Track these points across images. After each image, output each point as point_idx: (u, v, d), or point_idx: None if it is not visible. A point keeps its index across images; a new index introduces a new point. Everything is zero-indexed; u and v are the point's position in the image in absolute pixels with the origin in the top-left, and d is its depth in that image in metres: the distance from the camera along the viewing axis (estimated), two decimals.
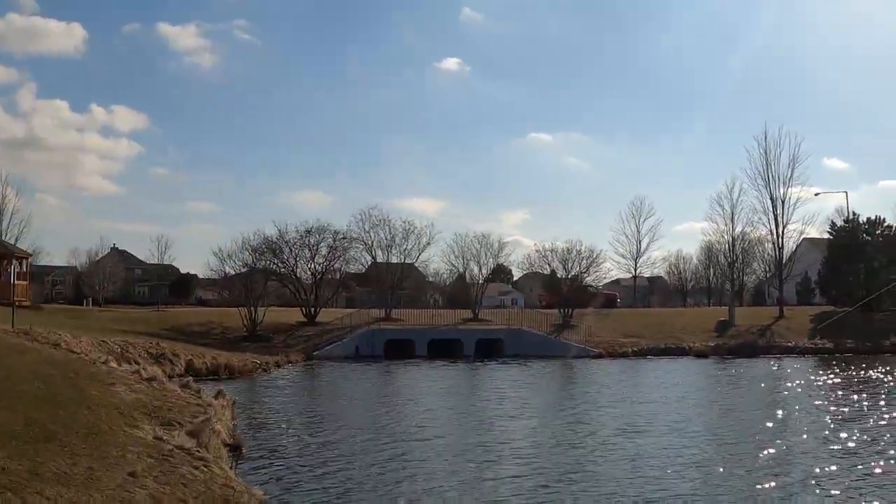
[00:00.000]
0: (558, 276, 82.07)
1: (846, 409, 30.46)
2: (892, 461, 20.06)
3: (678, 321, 73.94)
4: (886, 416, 27.92)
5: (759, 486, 17.38)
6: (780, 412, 29.53)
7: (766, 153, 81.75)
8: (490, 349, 63.48)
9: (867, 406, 31.16)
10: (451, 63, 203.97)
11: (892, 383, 39.82)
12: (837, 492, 16.81)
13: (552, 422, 28.16)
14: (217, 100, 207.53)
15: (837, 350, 61.03)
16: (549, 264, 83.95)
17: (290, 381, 43.56)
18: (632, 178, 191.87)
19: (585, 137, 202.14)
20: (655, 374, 47.37)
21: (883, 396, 34.05)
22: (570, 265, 79.23)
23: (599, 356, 60.95)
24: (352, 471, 19.05)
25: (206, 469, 14.83)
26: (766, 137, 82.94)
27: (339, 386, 41.64)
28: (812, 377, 44.00)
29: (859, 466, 19.36)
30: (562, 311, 73.99)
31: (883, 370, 46.11)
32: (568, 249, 79.68)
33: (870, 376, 43.19)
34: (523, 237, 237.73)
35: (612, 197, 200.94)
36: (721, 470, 19.08)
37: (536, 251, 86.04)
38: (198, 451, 16.29)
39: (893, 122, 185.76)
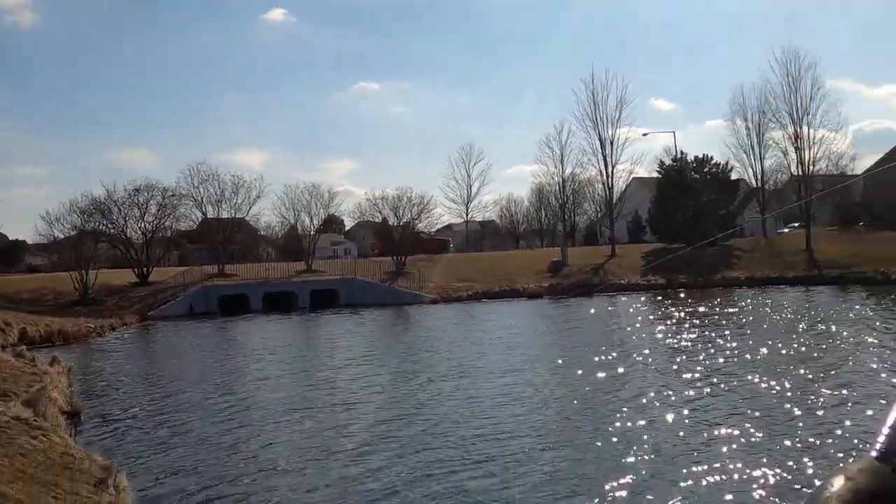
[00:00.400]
0: (390, 223, 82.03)
1: (675, 342, 31.66)
2: (711, 388, 21.05)
3: (511, 264, 74.68)
4: (711, 347, 29.16)
5: (582, 418, 18.12)
6: (610, 347, 30.32)
7: (593, 95, 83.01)
8: (325, 300, 63.14)
9: (694, 338, 32.40)
10: (276, 14, 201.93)
11: (717, 316, 41.21)
12: (661, 420, 17.55)
13: (385, 368, 28.26)
14: (40, 58, 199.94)
15: (670, 286, 62.69)
16: (380, 212, 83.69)
17: (126, 343, 42.56)
18: (460, 123, 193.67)
19: (412, 85, 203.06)
20: (489, 317, 47.81)
21: (709, 329, 35.25)
22: (401, 212, 79.39)
23: (434, 302, 61.51)
24: (183, 427, 19.08)
25: (44, 438, 14.47)
26: (593, 80, 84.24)
27: (174, 345, 40.82)
28: (644, 313, 45.29)
29: (677, 396, 20.17)
30: (395, 258, 74.20)
31: (711, 303, 47.71)
32: (398, 197, 79.84)
33: (699, 310, 44.53)
34: (353, 186, 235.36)
35: (442, 143, 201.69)
36: (545, 406, 19.72)
37: (367, 200, 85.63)
38: (35, 421, 15.87)
39: (719, 63, 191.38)
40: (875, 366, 23.27)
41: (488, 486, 13.34)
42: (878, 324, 34.23)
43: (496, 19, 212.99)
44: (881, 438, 0.94)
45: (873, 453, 0.97)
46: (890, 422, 0.98)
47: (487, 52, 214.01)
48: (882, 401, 18.04)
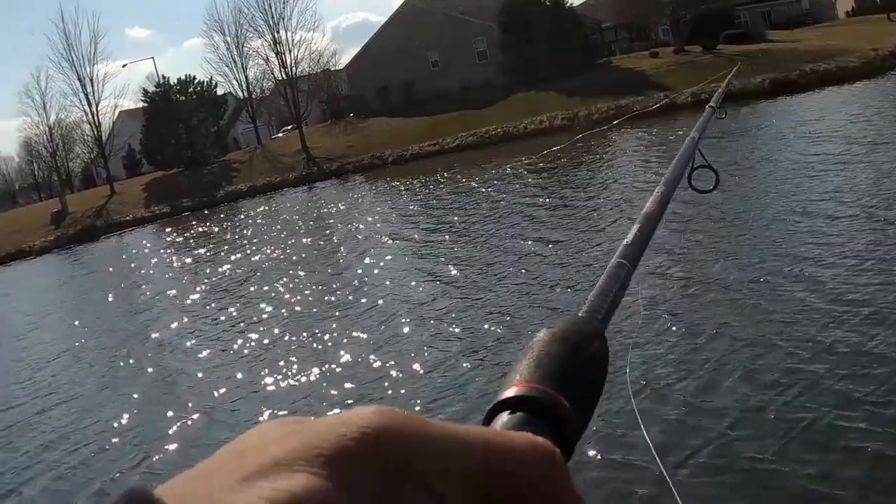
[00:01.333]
0: None
1: (186, 265, 31.50)
2: (232, 300, 20.94)
3: (11, 224, 70.69)
4: (227, 262, 29.23)
5: (108, 366, 17.48)
6: (126, 286, 29.49)
7: (66, 34, 79.53)
8: None
9: (206, 256, 32.41)
10: None
11: (226, 230, 41.26)
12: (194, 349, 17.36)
13: None
14: None
15: (175, 212, 61.81)
16: None
17: None
18: None
19: None
20: None
21: (225, 245, 35.04)
22: None
23: None
24: None
25: None
26: (63, 18, 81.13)
27: None
28: (153, 243, 44.36)
29: (203, 320, 20.10)
30: None
31: (218, 220, 47.54)
32: None
33: (207, 229, 44.16)
34: None
35: None
36: (60, 365, 18.87)
37: None
38: None
39: None
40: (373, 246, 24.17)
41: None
42: (365, 203, 36.08)
43: None
44: (587, 302, 0.93)
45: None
46: (596, 290, 0.97)
47: None
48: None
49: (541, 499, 0.46)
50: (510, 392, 0.57)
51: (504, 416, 0.66)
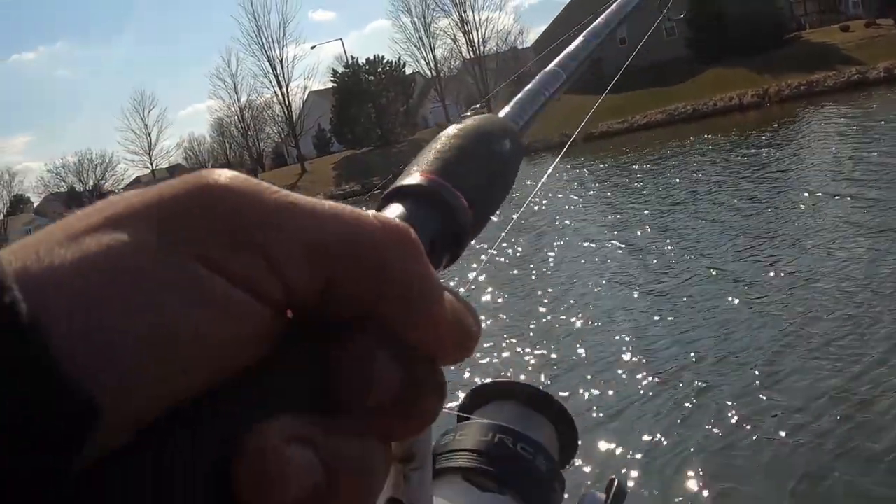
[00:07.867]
0: (77, 190, 79.20)
1: None
2: None
3: None
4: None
5: None
6: None
7: (255, 17, 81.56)
8: None
9: None
10: None
11: None
12: None
13: None
14: None
15: (366, 190, 62.19)
16: (64, 181, 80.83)
17: None
18: (125, 73, 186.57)
19: (68, 45, 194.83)
20: None
21: None
22: (85, 176, 76.90)
23: None
24: None
25: None
26: (251, 2, 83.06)
27: None
28: None
29: None
30: None
31: None
32: (80, 161, 77.32)
33: None
34: (32, 161, 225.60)
35: (112, 97, 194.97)
36: None
37: (49, 171, 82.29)
38: None
39: None
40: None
41: None
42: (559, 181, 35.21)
43: None
44: (509, 105, 0.86)
45: None
46: (523, 94, 0.91)
47: None
48: None
49: (388, 281, 0.42)
50: (403, 181, 0.65)
51: (391, 206, 0.60)
